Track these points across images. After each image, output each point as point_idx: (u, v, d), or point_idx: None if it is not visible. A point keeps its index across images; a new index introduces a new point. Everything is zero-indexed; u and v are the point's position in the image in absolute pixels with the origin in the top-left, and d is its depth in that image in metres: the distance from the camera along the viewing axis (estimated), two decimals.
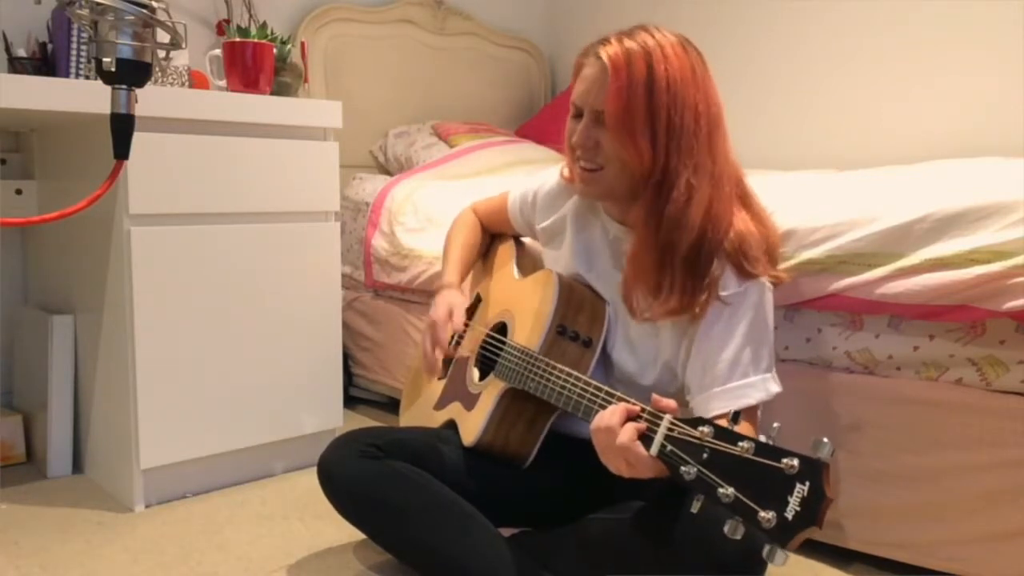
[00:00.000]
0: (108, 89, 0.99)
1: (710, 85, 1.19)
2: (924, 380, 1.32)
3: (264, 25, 2.10)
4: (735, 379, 1.16)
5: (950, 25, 2.14)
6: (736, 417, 0.91)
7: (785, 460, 0.82)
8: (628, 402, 1.03)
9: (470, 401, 1.36)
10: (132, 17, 0.95)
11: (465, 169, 2.39)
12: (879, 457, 1.36)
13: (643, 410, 1.00)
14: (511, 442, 1.30)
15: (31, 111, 1.57)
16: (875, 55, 2.30)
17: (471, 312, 1.52)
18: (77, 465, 1.88)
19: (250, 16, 2.36)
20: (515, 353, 1.29)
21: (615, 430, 0.99)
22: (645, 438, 0.97)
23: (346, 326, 2.30)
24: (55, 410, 1.84)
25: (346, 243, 2.37)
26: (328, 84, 2.57)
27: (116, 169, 1.01)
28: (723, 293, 1.17)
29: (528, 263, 1.52)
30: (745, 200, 1.24)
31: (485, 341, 1.41)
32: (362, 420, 2.27)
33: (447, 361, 1.52)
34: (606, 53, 1.16)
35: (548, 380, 1.20)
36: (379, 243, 2.26)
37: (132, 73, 0.98)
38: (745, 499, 0.84)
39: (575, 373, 1.17)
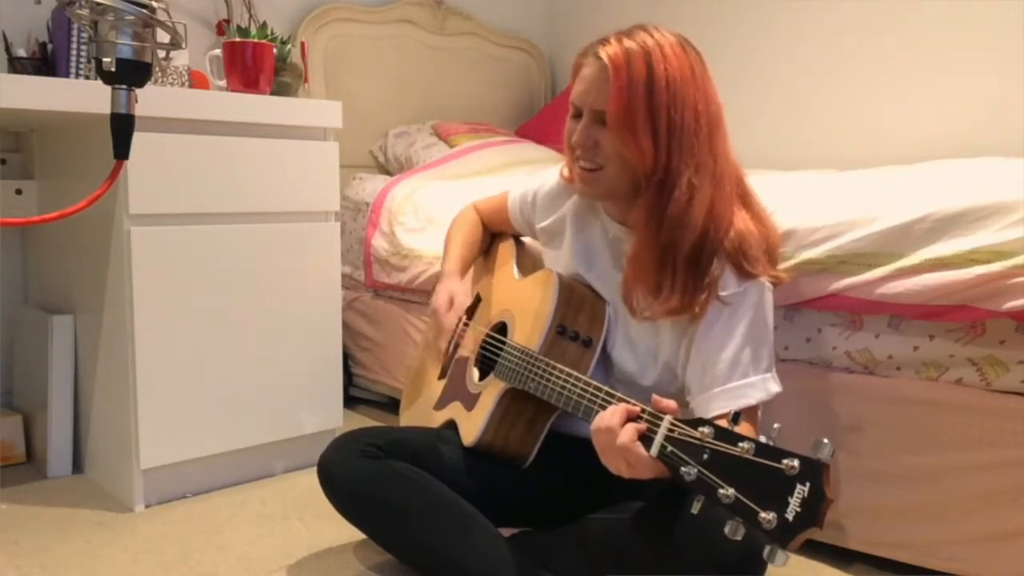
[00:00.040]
0: (108, 89, 0.99)
1: (709, 84, 1.20)
2: (924, 380, 1.32)
3: (264, 25, 2.10)
4: (735, 379, 1.16)
5: (950, 25, 2.14)
6: (736, 417, 0.91)
7: (785, 461, 0.82)
8: (628, 403, 1.03)
9: (470, 401, 1.36)
10: (132, 17, 0.95)
11: (465, 169, 2.39)
12: (879, 457, 1.36)
13: (643, 411, 1.00)
14: (511, 442, 1.30)
15: (31, 111, 1.57)
16: (875, 55, 2.30)
17: (471, 312, 1.52)
18: (77, 465, 1.88)
19: (250, 16, 2.36)
20: (515, 353, 1.29)
21: (615, 431, 0.99)
22: (645, 439, 0.97)
23: (346, 326, 2.30)
24: (55, 410, 1.84)
25: (346, 243, 2.37)
26: (328, 84, 2.57)
27: (116, 169, 1.01)
28: (723, 293, 1.17)
29: (528, 262, 1.52)
30: (745, 199, 1.24)
31: (485, 341, 1.41)
32: (362, 420, 2.27)
33: (447, 361, 1.52)
34: (606, 53, 1.16)
35: (548, 380, 1.20)
36: (379, 243, 2.26)
37: (132, 73, 0.98)
38: (745, 500, 0.84)
39: (575, 373, 1.17)
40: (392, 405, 2.23)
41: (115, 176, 1.01)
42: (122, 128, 1.01)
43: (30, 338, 1.95)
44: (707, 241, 1.16)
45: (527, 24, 3.15)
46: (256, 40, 1.87)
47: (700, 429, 0.91)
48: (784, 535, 0.80)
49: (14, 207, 1.94)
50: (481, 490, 1.29)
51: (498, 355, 1.33)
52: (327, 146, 1.90)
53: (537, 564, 1.24)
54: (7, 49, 1.84)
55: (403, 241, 2.18)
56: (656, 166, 1.16)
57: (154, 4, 0.97)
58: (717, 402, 1.16)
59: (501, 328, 1.39)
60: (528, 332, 1.30)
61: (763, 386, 1.17)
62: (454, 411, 1.40)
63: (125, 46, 0.96)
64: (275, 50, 1.90)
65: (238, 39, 1.86)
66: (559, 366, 1.20)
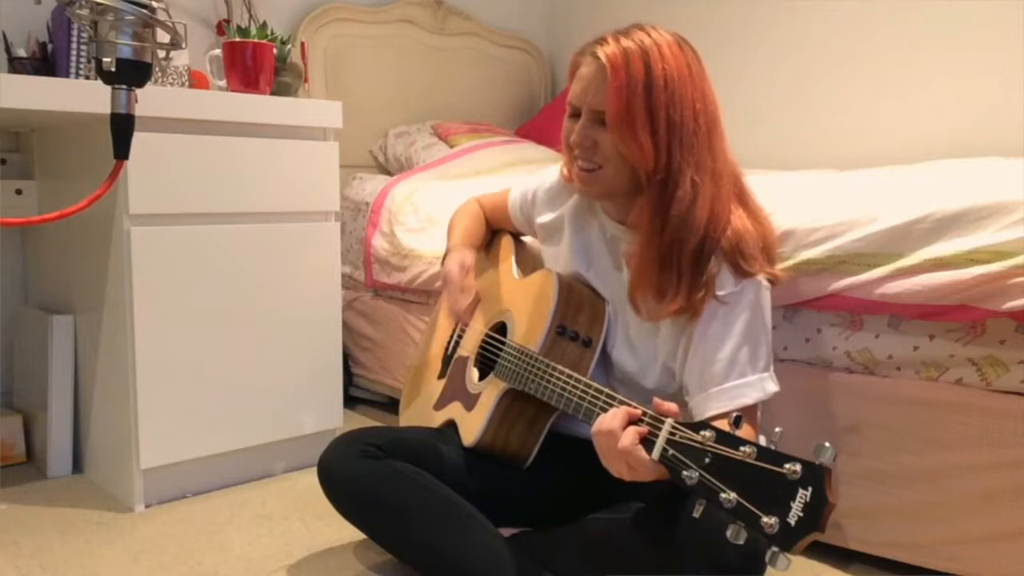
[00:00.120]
0: (108, 89, 0.99)
1: (707, 83, 1.20)
2: (924, 380, 1.32)
3: (264, 25, 2.10)
4: (732, 379, 1.16)
5: (950, 25, 2.14)
6: (738, 421, 0.91)
7: (788, 465, 0.82)
8: (629, 405, 1.03)
9: (470, 401, 1.36)
10: (132, 17, 0.95)
11: (465, 169, 2.39)
12: (879, 457, 1.36)
13: (644, 414, 1.00)
14: (511, 442, 1.30)
15: (31, 111, 1.57)
16: (875, 55, 2.30)
17: (470, 311, 1.51)
18: (77, 465, 1.88)
19: (250, 16, 2.36)
20: (515, 353, 1.29)
21: (616, 434, 0.99)
22: (646, 442, 0.97)
23: (346, 326, 2.30)
24: (55, 410, 1.84)
25: (346, 243, 2.37)
26: (328, 84, 2.57)
27: (116, 169, 1.01)
28: (720, 292, 1.16)
29: (527, 261, 1.52)
30: (742, 198, 1.24)
31: (485, 341, 1.41)
32: (362, 420, 2.27)
33: (447, 361, 1.52)
34: (604, 53, 1.16)
35: (548, 382, 1.20)
36: (379, 243, 2.26)
37: (132, 73, 0.98)
38: (748, 504, 0.83)
39: (575, 375, 1.16)
40: (392, 405, 2.23)
41: (115, 176, 1.01)
42: (122, 128, 1.01)
43: (30, 338, 1.95)
44: (707, 240, 1.16)
45: (527, 24, 3.15)
46: (256, 40, 1.87)
47: (702, 433, 0.91)
48: (787, 540, 0.80)
49: (14, 207, 1.94)
50: (481, 490, 1.29)
51: (498, 355, 1.33)
52: (327, 146, 1.90)
53: (537, 564, 1.24)
54: (7, 49, 1.84)
55: (403, 241, 2.18)
56: (657, 165, 1.16)
57: (154, 4, 0.97)
58: (714, 402, 1.16)
59: (501, 328, 1.39)
60: (528, 332, 1.30)
61: (760, 385, 1.17)
62: (454, 411, 1.40)
63: (125, 46, 0.96)
64: (275, 50, 1.90)
65: (238, 39, 1.86)
66: (559, 367, 1.20)
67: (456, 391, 1.42)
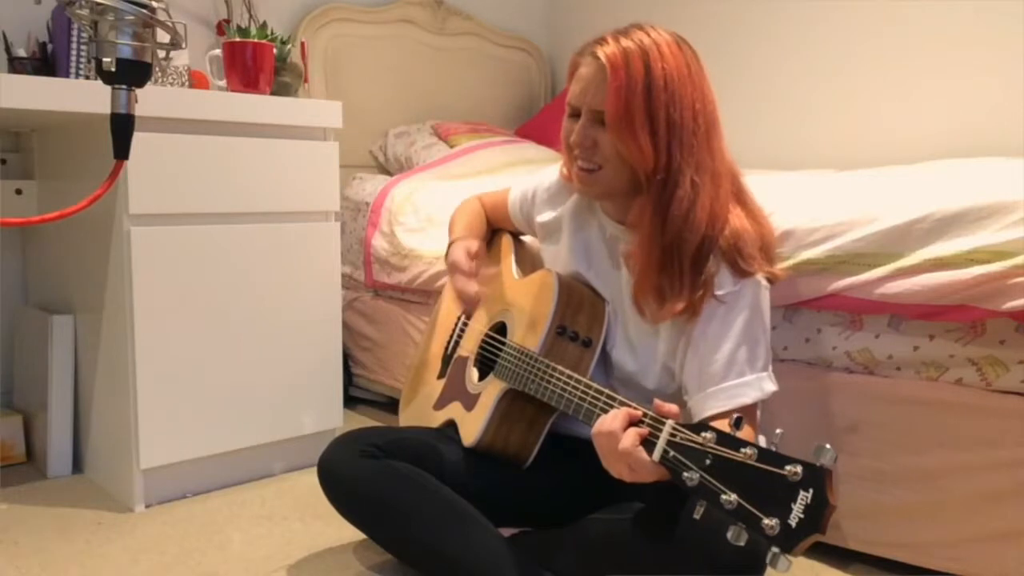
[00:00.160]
0: (108, 89, 0.99)
1: (705, 83, 1.20)
2: (924, 380, 1.32)
3: (264, 25, 2.10)
4: (731, 378, 1.16)
5: (950, 25, 2.14)
6: (739, 422, 0.91)
7: (788, 467, 0.82)
8: (630, 406, 1.03)
9: (470, 401, 1.36)
10: (132, 17, 0.95)
11: (465, 169, 2.39)
12: (879, 457, 1.36)
13: (645, 415, 1.00)
14: (511, 442, 1.30)
15: (31, 111, 1.57)
16: (875, 55, 2.30)
17: (470, 311, 1.51)
18: (77, 465, 1.88)
19: (250, 16, 2.36)
20: (515, 353, 1.29)
21: (617, 435, 0.99)
22: (647, 443, 0.97)
23: (346, 326, 2.30)
24: (55, 410, 1.84)
25: (346, 243, 2.37)
26: (328, 84, 2.57)
27: (116, 169, 1.01)
28: (719, 292, 1.16)
29: (527, 260, 1.52)
30: (740, 197, 1.24)
31: (484, 341, 1.41)
32: (362, 420, 2.27)
33: (446, 361, 1.52)
34: (603, 53, 1.16)
35: (548, 382, 1.20)
36: (379, 243, 2.26)
37: (132, 73, 0.98)
38: (748, 506, 0.83)
39: (576, 376, 1.16)
40: (392, 405, 2.23)
41: (115, 176, 1.01)
42: (122, 128, 1.00)
43: (30, 338, 1.95)
44: (706, 239, 1.16)
45: (527, 24, 3.15)
46: (256, 40, 1.87)
47: (702, 434, 0.91)
48: (788, 541, 0.80)
49: (14, 207, 1.94)
50: (481, 490, 1.29)
51: (497, 355, 1.33)
52: (327, 146, 1.90)
53: (537, 564, 1.23)
54: (7, 49, 1.84)
55: (403, 241, 2.18)
56: (657, 165, 1.16)
57: (154, 4, 0.97)
58: (713, 401, 1.16)
59: (500, 328, 1.39)
60: (528, 332, 1.30)
61: (759, 385, 1.16)
62: (454, 411, 1.40)
63: (125, 46, 0.96)
64: (275, 50, 1.90)
65: (238, 39, 1.86)
66: (559, 368, 1.20)
67: (456, 391, 1.42)
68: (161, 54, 1.04)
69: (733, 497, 0.85)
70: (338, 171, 1.92)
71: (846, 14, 2.35)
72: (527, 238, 1.58)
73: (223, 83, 1.88)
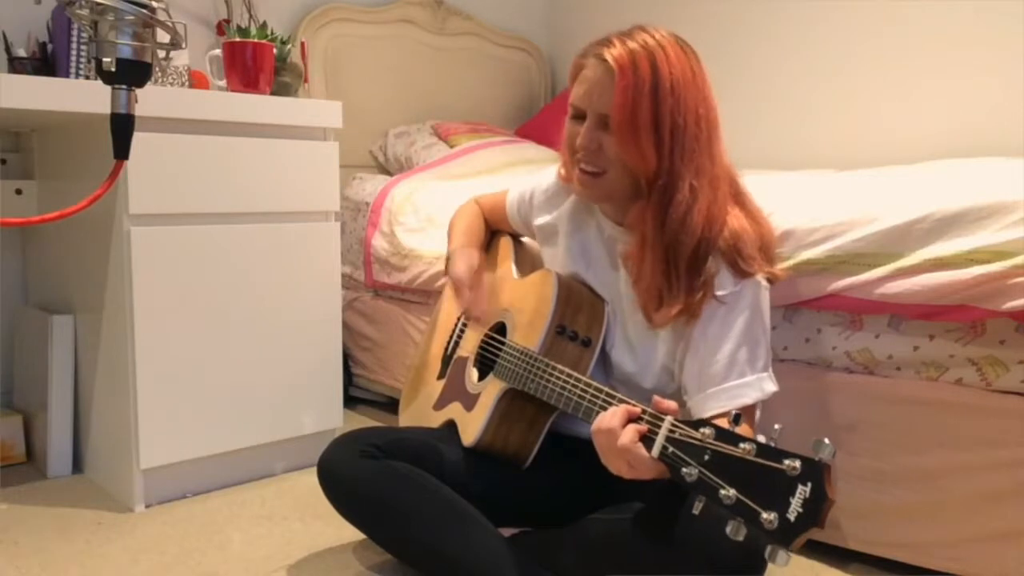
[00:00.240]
0: (108, 89, 0.99)
1: (708, 87, 1.20)
2: (924, 380, 1.32)
3: (264, 25, 2.10)
4: (731, 379, 1.16)
5: (950, 25, 2.14)
6: (737, 418, 0.91)
7: (787, 461, 0.82)
8: (629, 403, 1.03)
9: (470, 401, 1.36)
10: (132, 17, 0.95)
11: (465, 169, 2.39)
12: (879, 457, 1.36)
13: (644, 411, 1.00)
14: (511, 442, 1.30)
15: (31, 111, 1.57)
16: (875, 55, 2.30)
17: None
18: (77, 465, 1.88)
19: (250, 16, 2.36)
20: (514, 353, 1.29)
21: (616, 432, 0.99)
22: (646, 440, 0.97)
23: (346, 326, 2.30)
24: (55, 410, 1.84)
25: (346, 243, 2.37)
26: (328, 84, 2.57)
27: (116, 169, 1.01)
28: (719, 292, 1.16)
29: (526, 261, 1.52)
30: (739, 198, 1.24)
31: (484, 341, 1.41)
32: (362, 420, 2.27)
33: (446, 361, 1.52)
34: (611, 55, 1.15)
35: (548, 381, 1.20)
36: (379, 243, 2.26)
37: (132, 73, 0.98)
38: (747, 500, 0.83)
39: (575, 374, 1.16)
40: (392, 405, 2.23)
41: (115, 176, 1.01)
42: (122, 128, 1.00)
43: (30, 338, 1.95)
44: (703, 242, 1.16)
45: (527, 24, 3.15)
46: (256, 40, 1.87)
47: (701, 430, 0.91)
48: (786, 535, 0.80)
49: (14, 207, 1.94)
50: (481, 490, 1.29)
51: (497, 355, 1.33)
52: (327, 146, 1.90)
53: (537, 564, 1.23)
54: (7, 49, 1.84)
55: (403, 241, 2.18)
56: (659, 170, 1.16)
57: (154, 4, 0.97)
58: (713, 402, 1.16)
59: (500, 328, 1.39)
60: (527, 332, 1.30)
61: (759, 385, 1.17)
62: (453, 411, 1.40)
63: (125, 46, 0.96)
64: (275, 50, 1.90)
65: (238, 39, 1.86)
66: (559, 366, 1.20)
67: (456, 391, 1.42)
68: (161, 54, 1.04)
69: (732, 492, 0.85)
70: (338, 171, 1.92)
71: (846, 14, 2.35)
72: (526, 239, 1.58)
73: (223, 83, 1.88)
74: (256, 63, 1.84)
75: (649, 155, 1.15)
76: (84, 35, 1.76)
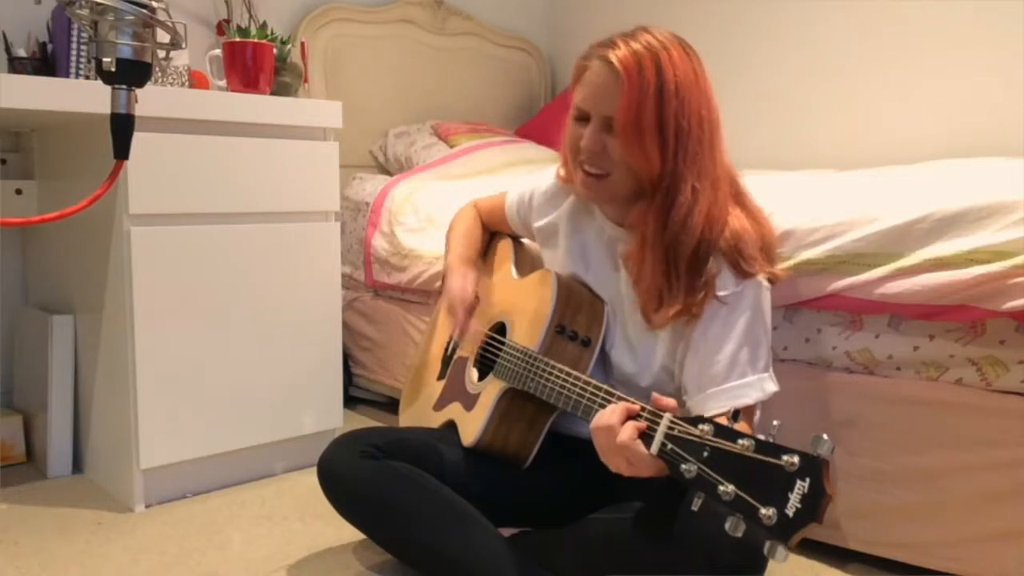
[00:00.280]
0: (108, 89, 0.99)
1: (709, 88, 1.20)
2: (924, 380, 1.32)
3: (264, 25, 2.10)
4: (732, 379, 1.16)
5: (950, 25, 2.14)
6: (736, 415, 0.91)
7: (785, 457, 0.82)
8: (628, 401, 1.03)
9: (469, 401, 1.36)
10: (132, 17, 0.95)
11: (465, 169, 2.39)
12: (879, 457, 1.36)
13: (643, 409, 1.00)
14: (511, 442, 1.30)
15: (31, 111, 1.57)
16: (875, 55, 2.30)
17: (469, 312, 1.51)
18: (77, 465, 1.88)
19: (250, 16, 2.36)
20: (514, 353, 1.29)
21: (615, 429, 0.99)
22: (645, 436, 0.97)
23: (346, 326, 2.30)
24: (55, 410, 1.84)
25: (346, 243, 2.37)
26: (328, 84, 2.57)
27: (116, 169, 1.01)
28: (720, 293, 1.16)
29: (526, 262, 1.52)
30: (739, 199, 1.24)
31: (484, 341, 1.41)
32: (362, 420, 2.27)
33: (446, 361, 1.52)
34: (615, 57, 1.15)
35: (548, 380, 1.20)
36: (379, 243, 2.26)
37: (132, 73, 0.98)
38: (746, 496, 0.84)
39: (575, 373, 1.16)
40: (392, 405, 2.23)
41: (115, 176, 1.01)
42: (122, 128, 1.00)
43: (30, 338, 1.95)
44: (703, 243, 1.16)
45: (527, 24, 3.15)
46: (256, 40, 1.87)
47: (700, 427, 0.91)
48: (784, 531, 0.81)
49: (14, 207, 1.94)
50: (481, 490, 1.29)
51: (497, 355, 1.33)
52: (327, 146, 1.90)
53: (537, 564, 1.24)
54: (7, 49, 1.84)
55: (403, 241, 2.18)
56: (663, 172, 1.16)
57: (154, 4, 0.97)
58: (714, 402, 1.16)
59: (500, 328, 1.39)
60: (527, 332, 1.30)
61: (760, 386, 1.17)
62: (453, 411, 1.40)
63: (125, 46, 0.96)
64: (275, 50, 1.90)
65: (238, 39, 1.86)
66: (558, 366, 1.20)
67: (456, 391, 1.42)
68: (161, 54, 1.04)
69: (731, 488, 0.85)
70: (338, 171, 1.92)
71: (846, 14, 2.35)
72: (526, 240, 1.58)
73: (223, 83, 1.88)
74: (256, 63, 1.84)
75: (653, 157, 1.15)
76: (84, 35, 1.76)
